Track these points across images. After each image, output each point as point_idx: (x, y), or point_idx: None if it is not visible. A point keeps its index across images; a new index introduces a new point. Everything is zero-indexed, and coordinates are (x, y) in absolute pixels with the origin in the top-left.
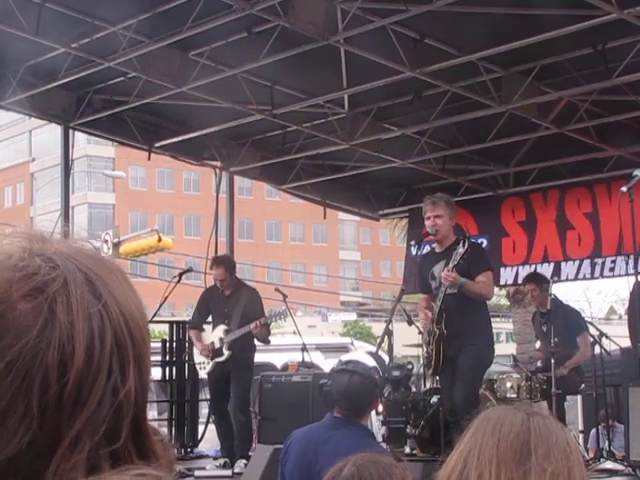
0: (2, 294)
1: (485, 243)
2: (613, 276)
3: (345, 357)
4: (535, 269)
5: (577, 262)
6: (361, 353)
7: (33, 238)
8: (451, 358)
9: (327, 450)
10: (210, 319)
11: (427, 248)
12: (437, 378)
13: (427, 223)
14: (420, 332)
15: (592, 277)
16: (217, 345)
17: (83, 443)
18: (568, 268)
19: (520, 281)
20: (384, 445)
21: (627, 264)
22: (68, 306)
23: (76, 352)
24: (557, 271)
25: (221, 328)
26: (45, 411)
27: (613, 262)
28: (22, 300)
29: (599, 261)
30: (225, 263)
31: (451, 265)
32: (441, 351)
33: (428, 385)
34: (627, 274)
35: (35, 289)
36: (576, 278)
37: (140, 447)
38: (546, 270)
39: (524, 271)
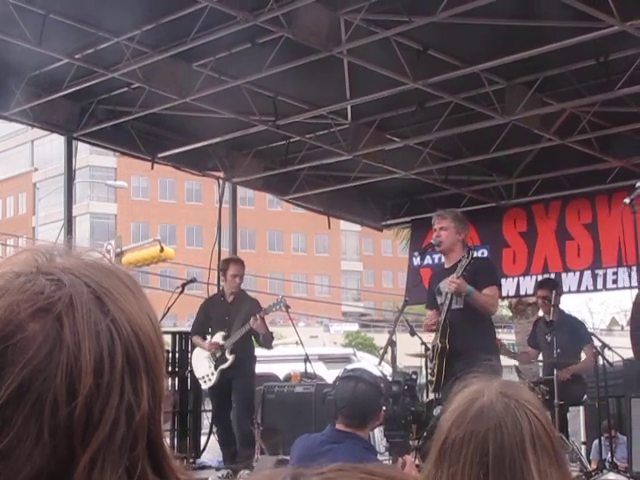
0: (9, 316)
1: (486, 253)
2: (617, 288)
3: (350, 366)
4: (536, 280)
5: (577, 273)
6: (366, 363)
7: (41, 255)
8: (458, 375)
9: (325, 463)
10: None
11: (429, 259)
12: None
13: (433, 235)
14: (422, 343)
15: (595, 289)
16: (217, 354)
17: (101, 465)
18: (569, 280)
19: (522, 292)
20: (387, 456)
21: (630, 276)
22: (74, 325)
23: (83, 373)
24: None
25: (219, 335)
26: (56, 435)
27: (615, 274)
28: (30, 321)
29: (600, 272)
30: (243, 262)
31: (456, 275)
32: (444, 366)
33: (431, 396)
34: (631, 287)
35: (41, 309)
36: (579, 290)
37: (156, 463)
38: None
39: (525, 282)
